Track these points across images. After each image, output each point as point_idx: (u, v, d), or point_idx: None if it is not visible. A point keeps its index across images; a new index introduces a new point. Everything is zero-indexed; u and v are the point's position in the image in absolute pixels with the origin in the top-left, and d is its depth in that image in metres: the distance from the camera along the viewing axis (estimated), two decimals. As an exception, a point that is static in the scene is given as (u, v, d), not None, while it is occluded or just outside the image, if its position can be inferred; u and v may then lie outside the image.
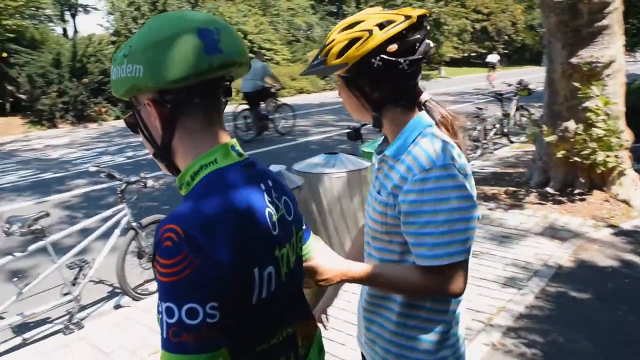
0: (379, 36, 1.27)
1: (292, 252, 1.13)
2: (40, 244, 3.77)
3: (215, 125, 1.07)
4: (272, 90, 12.72)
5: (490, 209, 6.03)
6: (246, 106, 12.25)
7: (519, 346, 3.28)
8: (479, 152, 9.13)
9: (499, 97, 10.28)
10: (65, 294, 3.94)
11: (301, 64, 28.38)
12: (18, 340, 3.78)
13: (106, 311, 4.23)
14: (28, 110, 17.56)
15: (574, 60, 5.88)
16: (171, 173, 1.10)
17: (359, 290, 1.60)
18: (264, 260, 0.99)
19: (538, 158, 6.74)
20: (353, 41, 1.29)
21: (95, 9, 32.94)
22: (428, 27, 1.34)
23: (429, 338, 1.39)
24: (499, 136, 10.08)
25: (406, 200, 1.27)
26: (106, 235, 4.23)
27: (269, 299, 1.00)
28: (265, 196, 1.06)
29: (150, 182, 4.36)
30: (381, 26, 1.28)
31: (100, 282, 4.71)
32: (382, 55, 1.27)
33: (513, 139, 10.37)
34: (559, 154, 6.06)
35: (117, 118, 17.99)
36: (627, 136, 5.99)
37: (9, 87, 17.97)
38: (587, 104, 5.87)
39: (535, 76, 19.19)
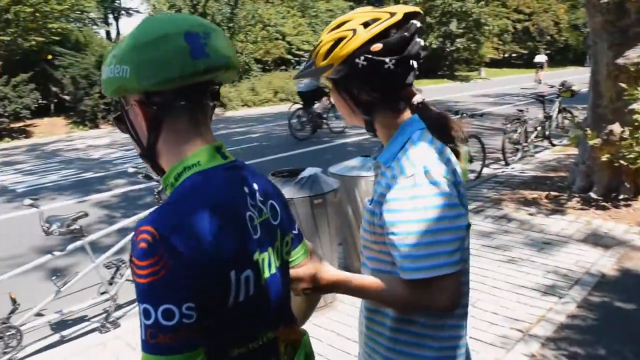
0: (363, 35, 1.22)
1: (277, 257, 1.12)
2: (78, 243, 3.84)
3: (201, 128, 1.07)
4: (327, 89, 12.89)
5: (530, 214, 5.87)
6: (300, 105, 12.73)
7: (559, 358, 3.16)
8: (519, 155, 8.92)
9: (541, 99, 10.02)
10: (102, 293, 4.01)
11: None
12: (56, 337, 3.85)
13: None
14: (71, 111, 18.08)
15: (620, 61, 5.70)
16: (157, 174, 1.11)
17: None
18: (241, 263, 0.98)
19: (581, 162, 6.54)
20: (338, 41, 1.25)
21: (138, 11, 33.56)
22: (419, 25, 1.26)
23: (424, 354, 1.31)
24: (540, 139, 9.83)
25: (388, 210, 1.21)
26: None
27: (247, 303, 1.00)
28: (248, 199, 1.06)
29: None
30: (366, 25, 1.23)
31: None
32: (366, 55, 1.22)
33: (555, 142, 10.12)
34: (603, 158, 5.88)
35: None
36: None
37: (54, 89, 18.54)
38: (633, 106, 5.67)
39: (578, 77, 18.66)
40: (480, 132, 9.68)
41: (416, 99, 1.32)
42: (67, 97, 18.17)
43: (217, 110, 20.28)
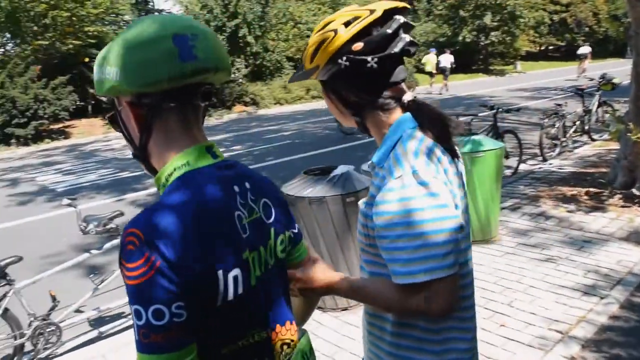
0: (344, 35, 1.20)
1: (270, 256, 1.12)
2: (114, 242, 3.91)
3: (193, 128, 1.07)
4: None
5: (569, 211, 5.71)
6: None
7: (601, 360, 3.06)
8: (557, 150, 8.70)
9: (580, 93, 9.74)
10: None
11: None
12: (94, 333, 3.93)
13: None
14: (108, 112, 18.42)
15: (664, 51, 5.48)
16: (150, 174, 1.11)
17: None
18: (228, 263, 0.98)
19: (623, 157, 6.33)
20: (321, 43, 1.23)
21: (170, 13, 34.06)
22: (403, 21, 1.22)
23: (425, 359, 1.27)
24: (579, 134, 9.56)
25: (377, 212, 1.17)
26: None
27: (237, 302, 1.00)
28: (238, 198, 1.06)
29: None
30: (347, 24, 1.21)
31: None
32: (348, 55, 1.20)
33: (595, 136, 9.82)
34: (647, 153, 5.66)
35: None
36: None
37: (91, 90, 18.95)
38: (679, 98, 5.45)
39: (619, 69, 18.12)
40: (517, 128, 9.49)
41: (406, 97, 1.27)
42: (104, 99, 18.50)
43: (250, 109, 20.50)
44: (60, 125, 17.74)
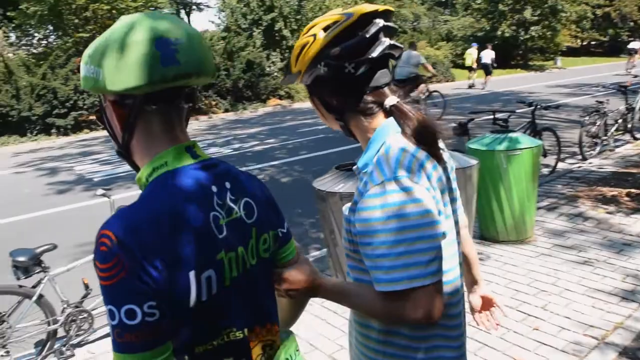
0: (322, 40, 1.20)
1: (252, 256, 1.12)
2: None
3: (175, 129, 1.08)
4: (423, 77, 13.57)
5: (609, 213, 5.53)
6: None
7: (639, 369, 2.94)
8: (597, 149, 8.43)
9: (623, 90, 9.41)
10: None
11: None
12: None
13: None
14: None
15: None
16: (135, 170, 1.12)
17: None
18: (201, 264, 0.98)
19: (667, 157, 6.09)
20: (302, 47, 1.24)
21: (208, 6, 34.50)
22: (383, 24, 1.20)
23: None
24: (621, 132, 9.27)
25: (359, 219, 1.16)
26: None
27: (210, 302, 1.00)
28: (215, 199, 1.05)
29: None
30: (326, 29, 1.21)
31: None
32: (326, 60, 1.20)
33: (638, 135, 9.50)
34: (694, 154, 5.43)
35: (226, 111, 18.73)
36: None
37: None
38: None
39: (665, 66, 17.44)
40: (556, 125, 9.24)
41: (388, 102, 1.25)
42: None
43: (285, 102, 20.54)
44: (99, 115, 18.09)
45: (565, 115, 11.86)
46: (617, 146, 8.99)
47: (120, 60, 0.97)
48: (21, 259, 3.37)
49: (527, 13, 30.15)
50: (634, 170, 7.13)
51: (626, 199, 5.93)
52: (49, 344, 3.59)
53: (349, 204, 1.27)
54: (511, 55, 31.65)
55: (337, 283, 1.28)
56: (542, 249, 4.71)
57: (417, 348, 1.25)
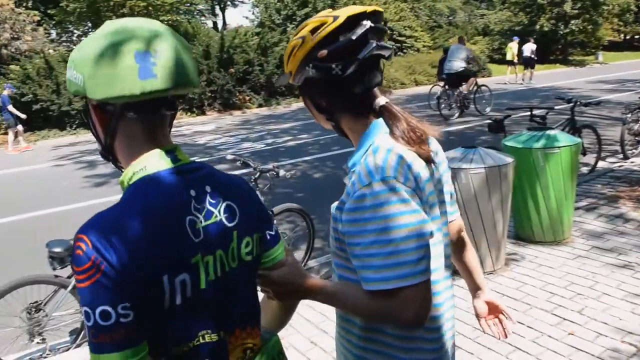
0: (309, 42, 1.22)
1: (233, 259, 1.12)
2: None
3: (157, 134, 1.09)
4: (474, 71, 13.74)
5: (651, 214, 5.33)
6: (439, 86, 14.02)
7: (682, 378, 2.82)
8: (640, 147, 8.15)
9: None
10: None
11: (442, 51, 27.57)
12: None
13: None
14: (180, 99, 19.00)
15: None
16: (120, 170, 1.14)
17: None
18: (175, 268, 0.99)
19: None
20: (292, 49, 1.26)
21: (242, 2, 34.58)
22: (370, 26, 1.21)
23: None
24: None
25: (347, 219, 1.18)
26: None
27: (185, 305, 1.01)
28: (193, 203, 1.06)
29: (282, 172, 4.43)
30: (313, 31, 1.23)
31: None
32: (314, 62, 1.22)
33: (683, 133, 9.12)
34: None
35: (260, 106, 18.85)
36: None
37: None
38: None
39: None
40: (596, 122, 8.98)
41: (377, 103, 1.27)
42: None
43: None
44: (136, 110, 18.45)
45: (606, 112, 11.52)
46: (661, 144, 8.68)
47: (99, 70, 0.99)
48: (57, 249, 3.44)
49: (567, 6, 29.39)
50: (679, 170, 6.86)
51: (670, 199, 5.72)
52: (83, 332, 3.67)
53: (336, 203, 1.28)
54: (550, 50, 30.90)
55: (326, 284, 1.29)
56: (579, 250, 4.57)
57: (398, 347, 1.27)
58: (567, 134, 5.14)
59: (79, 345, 3.64)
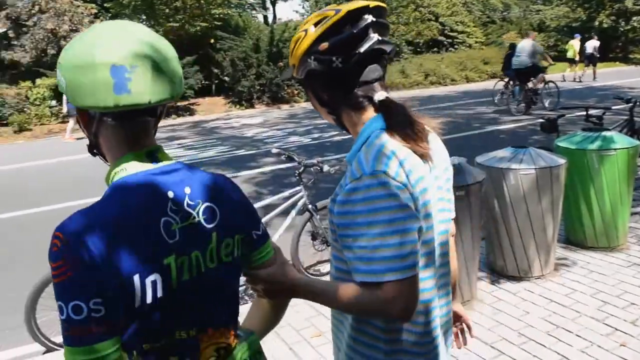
0: (312, 35, 1.25)
1: (211, 260, 1.13)
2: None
3: (138, 137, 1.10)
4: (543, 66, 13.60)
5: None
6: (504, 82, 14.07)
7: None
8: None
9: None
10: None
11: (495, 47, 26.97)
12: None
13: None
14: (230, 92, 19.31)
15: None
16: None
17: None
18: (146, 268, 1.01)
19: None
20: (296, 42, 1.30)
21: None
22: (371, 20, 1.23)
23: (376, 356, 1.29)
24: None
25: (339, 212, 1.21)
26: (285, 213, 4.51)
27: (156, 304, 1.03)
28: (169, 204, 1.07)
29: (325, 168, 4.43)
30: (317, 24, 1.25)
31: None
32: (316, 55, 1.24)
33: None
34: None
35: (308, 100, 18.85)
36: None
37: (215, 70, 19.91)
38: None
39: None
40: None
41: (377, 97, 1.28)
42: (226, 79, 19.43)
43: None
44: (186, 102, 18.82)
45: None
46: None
47: (77, 79, 1.02)
48: None
49: (629, 2, 28.15)
50: None
51: None
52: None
53: (331, 196, 1.30)
54: (610, 47, 29.65)
55: (313, 283, 1.31)
56: (635, 258, 4.37)
57: (384, 339, 1.28)
58: (624, 135, 4.92)
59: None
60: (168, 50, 1.10)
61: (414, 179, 1.19)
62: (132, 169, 1.07)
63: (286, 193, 4.58)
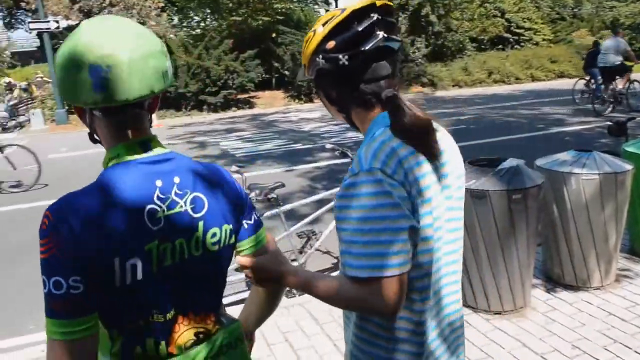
0: (320, 34, 1.28)
1: (196, 248, 1.17)
2: (274, 211, 4.09)
3: (129, 127, 1.15)
4: (629, 66, 13.13)
5: None
6: (584, 80, 13.81)
7: None
8: None
9: None
10: (292, 260, 4.20)
11: (564, 45, 25.95)
12: (246, 294, 4.14)
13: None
14: (289, 86, 19.46)
15: None
16: None
17: None
18: (127, 252, 1.07)
19: None
20: (306, 42, 1.33)
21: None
22: (377, 18, 1.24)
23: (377, 353, 1.31)
24: None
25: (337, 206, 1.23)
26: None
27: (135, 286, 1.09)
28: (157, 192, 1.12)
29: (379, 164, 4.36)
30: (325, 23, 1.28)
31: (327, 252, 4.91)
32: (324, 53, 1.26)
33: None
34: None
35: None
36: None
37: (275, 64, 20.11)
38: None
39: None
40: None
41: (384, 94, 1.28)
42: (286, 73, 19.59)
43: (427, 90, 20.13)
44: (246, 95, 19.12)
45: None
46: None
47: (64, 77, 1.09)
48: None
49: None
50: None
51: None
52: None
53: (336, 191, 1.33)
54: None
55: (302, 272, 1.35)
56: None
57: (383, 337, 1.29)
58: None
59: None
60: (150, 46, 1.12)
61: (414, 177, 1.20)
62: (125, 156, 1.13)
63: (337, 189, 4.55)
